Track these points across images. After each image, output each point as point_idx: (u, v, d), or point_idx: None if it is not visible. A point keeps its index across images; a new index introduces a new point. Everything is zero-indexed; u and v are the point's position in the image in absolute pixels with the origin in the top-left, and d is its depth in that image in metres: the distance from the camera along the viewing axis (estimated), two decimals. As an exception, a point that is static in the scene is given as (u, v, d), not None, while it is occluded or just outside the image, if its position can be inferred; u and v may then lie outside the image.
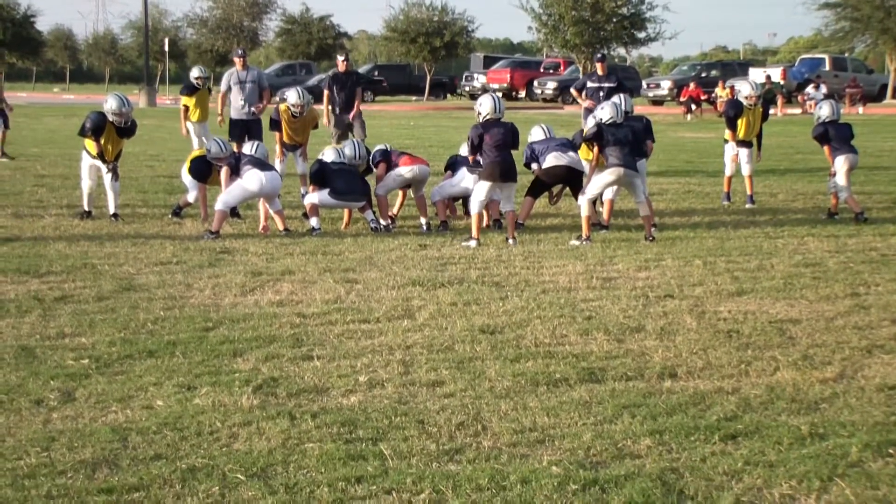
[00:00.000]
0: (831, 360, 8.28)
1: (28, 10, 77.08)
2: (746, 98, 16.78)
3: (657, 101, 56.51)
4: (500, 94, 15.15)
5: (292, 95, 16.76)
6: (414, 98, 66.72)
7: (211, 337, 8.85)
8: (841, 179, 15.52)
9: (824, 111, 16.00)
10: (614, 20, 43.49)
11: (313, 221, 14.14)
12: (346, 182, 14.19)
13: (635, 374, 7.90)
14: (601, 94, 21.25)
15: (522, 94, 64.80)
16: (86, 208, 15.18)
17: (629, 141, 13.79)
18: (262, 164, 14.06)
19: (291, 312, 9.74)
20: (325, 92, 20.40)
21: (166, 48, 73.00)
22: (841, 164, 15.57)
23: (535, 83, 62.40)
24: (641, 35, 45.37)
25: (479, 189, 13.64)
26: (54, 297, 10.24)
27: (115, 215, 14.90)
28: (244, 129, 19.11)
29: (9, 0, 76.20)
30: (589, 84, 21.78)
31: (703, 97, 47.45)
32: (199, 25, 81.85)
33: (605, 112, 14.03)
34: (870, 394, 7.46)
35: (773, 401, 7.28)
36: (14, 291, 10.46)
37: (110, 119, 14.46)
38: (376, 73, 66.40)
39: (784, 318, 9.63)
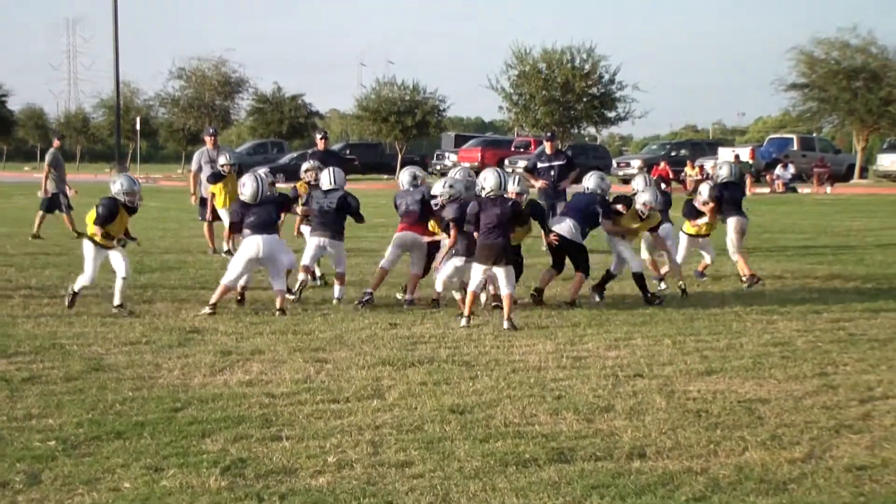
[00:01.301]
0: (800, 440, 8.30)
1: (0, 89, 77.15)
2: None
3: (627, 180, 56.78)
4: (505, 170, 14.96)
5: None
6: (385, 177, 66.96)
7: (179, 418, 8.80)
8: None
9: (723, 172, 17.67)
10: (584, 100, 43.89)
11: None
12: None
13: (604, 454, 7.89)
14: (552, 172, 21.32)
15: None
16: (76, 289, 14.07)
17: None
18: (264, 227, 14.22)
19: (261, 392, 9.70)
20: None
21: (138, 127, 73.14)
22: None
23: (507, 162, 62.71)
24: (611, 114, 45.79)
25: (474, 271, 13.50)
26: (22, 377, 10.17)
27: (121, 306, 13.86)
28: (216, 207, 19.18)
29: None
30: (539, 164, 21.85)
31: (672, 176, 47.73)
32: (171, 104, 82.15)
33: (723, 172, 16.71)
34: (838, 474, 7.48)
35: (742, 481, 7.28)
36: (-19, 372, 10.40)
37: (122, 200, 14.07)
38: (348, 151, 66.65)
39: (753, 398, 9.65)
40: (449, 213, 14.12)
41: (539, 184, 21.33)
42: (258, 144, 72.08)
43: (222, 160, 20.09)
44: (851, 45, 60.83)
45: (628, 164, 58.73)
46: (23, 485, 7.10)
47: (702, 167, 50.33)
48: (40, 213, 24.53)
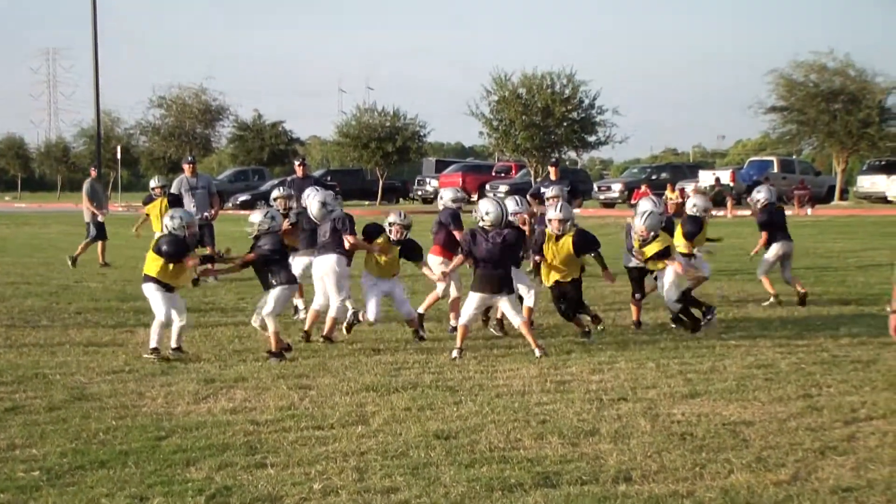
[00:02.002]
0: (785, 462, 8.32)
1: (-21, 118, 77.07)
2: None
3: (608, 204, 56.97)
4: (503, 198, 14.51)
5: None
6: (367, 203, 66.95)
7: (164, 446, 8.78)
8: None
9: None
10: (565, 124, 43.97)
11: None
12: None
13: (590, 478, 7.89)
14: None
15: (475, 197, 65.08)
16: (155, 342, 12.78)
17: None
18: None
19: (245, 420, 9.68)
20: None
21: (119, 156, 73.02)
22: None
23: (488, 186, 62.80)
24: (592, 139, 45.87)
25: (470, 300, 13.25)
26: (4, 407, 10.14)
27: (178, 349, 12.97)
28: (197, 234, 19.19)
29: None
30: (543, 190, 22.01)
31: (653, 199, 47.86)
32: (151, 133, 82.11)
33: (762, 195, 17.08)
34: (823, 496, 7.49)
35: None
36: (-37, 402, 10.36)
37: (182, 235, 13.21)
38: (329, 178, 66.58)
39: (737, 420, 9.66)
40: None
41: (541, 210, 21.51)
42: (239, 172, 71.97)
43: (153, 182, 20.49)
44: (829, 68, 61.11)
45: (609, 188, 58.83)
46: (6, 515, 7.07)
47: (682, 190, 50.45)
48: (100, 243, 24.83)
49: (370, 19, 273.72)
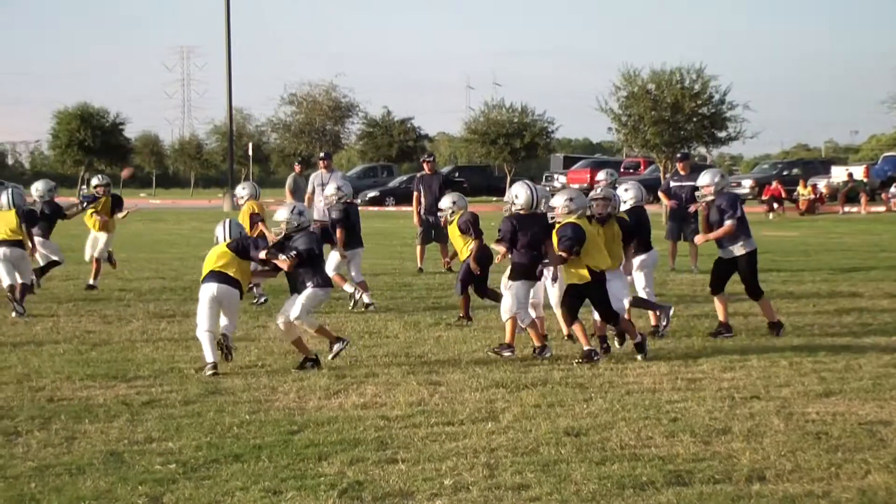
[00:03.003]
0: (924, 463, 8.13)
1: (117, 117, 78.69)
2: None
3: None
4: (536, 185, 13.55)
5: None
6: (495, 199, 67.01)
7: (296, 440, 8.89)
8: None
9: None
10: (694, 120, 43.40)
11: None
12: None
13: (723, 477, 7.81)
14: (683, 193, 21.42)
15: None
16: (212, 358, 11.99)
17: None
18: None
19: (375, 415, 9.76)
20: (414, 193, 20.92)
21: (250, 152, 74.12)
22: None
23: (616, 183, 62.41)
24: (722, 134, 45.20)
25: (520, 293, 12.71)
26: (142, 401, 10.37)
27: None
28: (325, 230, 19.41)
29: (99, 108, 77.84)
30: (672, 184, 22.04)
31: (784, 196, 47.21)
32: (282, 130, 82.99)
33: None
34: (965, 497, 7.31)
35: (866, 505, 7.16)
36: (102, 396, 10.61)
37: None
38: (457, 174, 66.88)
39: (874, 420, 9.48)
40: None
41: (670, 203, 21.56)
42: (368, 168, 72.68)
43: (97, 181, 19.72)
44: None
45: (739, 184, 58.05)
46: (145, 507, 7.21)
47: (814, 186, 49.64)
48: None
49: (498, 17, 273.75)
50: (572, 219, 12.39)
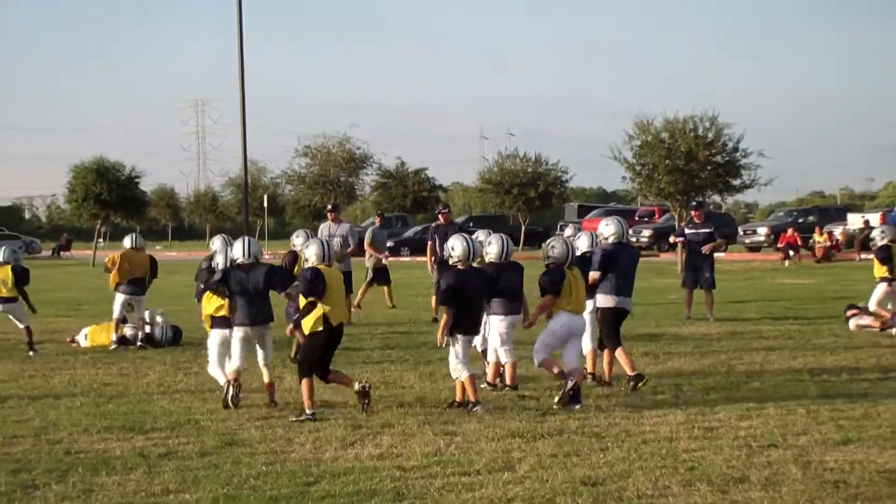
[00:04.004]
0: (943, 511, 8.09)
1: (133, 171, 79.04)
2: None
3: (754, 248, 56.19)
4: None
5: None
6: (510, 249, 67.10)
7: (313, 492, 8.89)
8: None
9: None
10: (709, 168, 43.44)
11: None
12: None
13: (741, 526, 7.78)
14: (698, 241, 21.77)
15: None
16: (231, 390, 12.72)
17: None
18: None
19: (392, 465, 9.75)
20: (429, 243, 21.12)
21: (265, 204, 74.32)
22: None
23: (631, 231, 62.39)
24: (736, 182, 45.22)
25: (459, 348, 12.56)
26: (159, 453, 10.38)
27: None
28: None
29: (115, 162, 78.27)
30: (687, 231, 22.35)
31: (800, 243, 47.20)
32: (296, 182, 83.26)
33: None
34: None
35: (885, 553, 7.13)
36: (120, 448, 10.62)
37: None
38: (471, 224, 66.90)
39: (893, 468, 9.44)
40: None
41: (680, 240, 22.75)
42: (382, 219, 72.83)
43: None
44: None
45: (755, 232, 58.06)
46: (162, 559, 7.21)
47: (830, 233, 49.58)
48: (385, 287, 25.71)
49: (511, 73, 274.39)
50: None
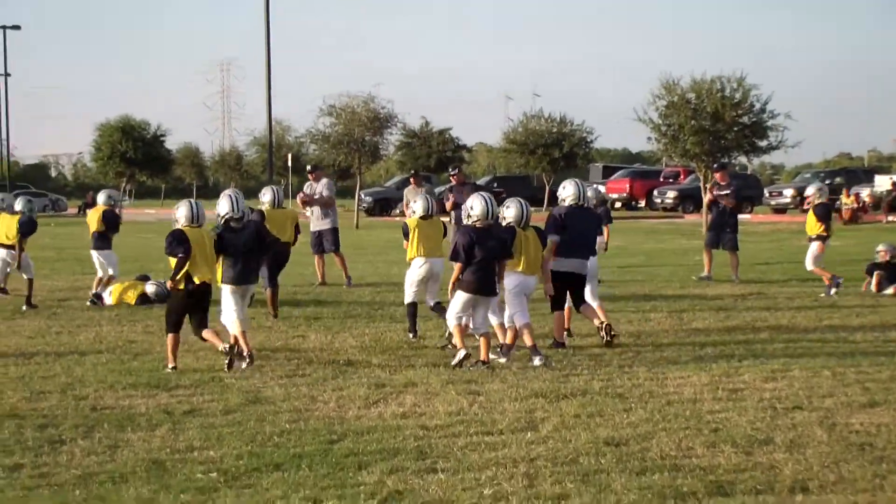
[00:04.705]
0: (970, 474, 8.05)
1: (158, 129, 79.21)
2: None
3: (779, 210, 55.97)
4: (491, 196, 13.35)
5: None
6: (533, 209, 66.96)
7: (336, 449, 8.89)
8: None
9: None
10: (735, 129, 43.14)
11: None
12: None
13: (765, 487, 7.76)
14: (722, 203, 21.79)
15: (643, 203, 64.83)
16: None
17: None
18: None
19: (415, 425, 9.76)
20: (446, 203, 21.31)
21: (290, 163, 74.36)
22: None
23: (655, 192, 62.27)
24: (763, 143, 44.92)
25: (456, 301, 12.81)
26: (183, 410, 10.41)
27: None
28: (318, 238, 22.23)
29: (140, 121, 78.40)
30: (714, 192, 22.50)
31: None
32: (321, 141, 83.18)
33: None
34: None
35: (910, 516, 7.10)
36: (144, 405, 10.66)
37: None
38: (495, 184, 66.74)
39: (918, 431, 9.39)
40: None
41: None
42: (406, 178, 72.73)
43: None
44: None
45: (781, 194, 57.82)
46: (186, 515, 7.24)
47: (857, 195, 49.33)
48: None
49: (536, 30, 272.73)
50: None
